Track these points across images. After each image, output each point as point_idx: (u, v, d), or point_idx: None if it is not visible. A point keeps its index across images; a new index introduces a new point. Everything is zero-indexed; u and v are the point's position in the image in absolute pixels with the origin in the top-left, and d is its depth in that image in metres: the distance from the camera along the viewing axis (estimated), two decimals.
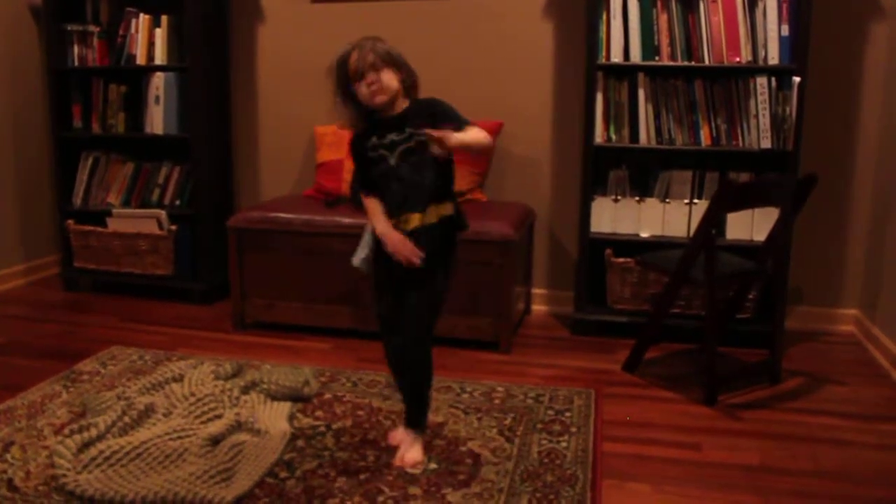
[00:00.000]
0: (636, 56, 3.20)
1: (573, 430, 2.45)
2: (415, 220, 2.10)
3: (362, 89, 2.07)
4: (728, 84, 3.16)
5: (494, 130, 3.56)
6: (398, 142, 2.09)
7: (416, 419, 2.28)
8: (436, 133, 1.98)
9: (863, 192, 3.41)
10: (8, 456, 2.24)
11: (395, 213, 2.12)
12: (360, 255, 2.25)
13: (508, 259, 3.11)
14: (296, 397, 2.65)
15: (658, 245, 3.22)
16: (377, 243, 2.18)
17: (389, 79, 2.07)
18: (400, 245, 2.09)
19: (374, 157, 2.12)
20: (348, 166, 3.47)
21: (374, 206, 2.17)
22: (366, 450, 2.31)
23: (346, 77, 2.09)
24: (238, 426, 2.39)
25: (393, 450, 2.29)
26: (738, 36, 3.10)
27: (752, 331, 3.21)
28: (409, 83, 2.13)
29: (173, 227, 3.80)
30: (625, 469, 2.24)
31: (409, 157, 2.09)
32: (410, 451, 2.25)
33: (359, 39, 2.10)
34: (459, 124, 2.08)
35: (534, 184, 3.72)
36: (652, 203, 3.30)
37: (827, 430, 2.52)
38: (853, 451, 2.38)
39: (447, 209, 2.15)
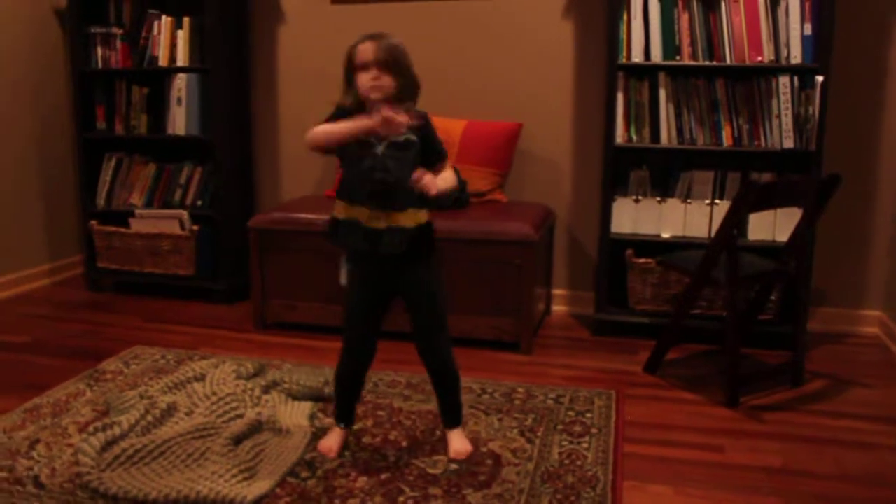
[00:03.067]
0: (657, 56, 3.18)
1: (594, 431, 2.45)
2: (390, 217, 2.07)
3: (363, 79, 2.06)
4: (750, 83, 3.14)
5: (515, 131, 3.56)
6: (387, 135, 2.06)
7: (458, 416, 2.32)
8: (424, 181, 2.01)
9: (887, 192, 3.37)
10: (34, 453, 2.27)
11: (371, 205, 2.06)
12: (344, 275, 2.26)
13: (529, 259, 3.10)
14: (317, 397, 2.66)
15: (679, 246, 3.21)
16: (356, 263, 2.17)
17: (389, 81, 2.06)
18: (387, 116, 1.97)
19: (361, 142, 2.05)
20: None
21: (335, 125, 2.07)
22: (386, 450, 2.32)
23: (349, 62, 2.09)
24: (260, 425, 2.41)
25: (416, 449, 2.29)
26: (760, 35, 3.07)
27: (775, 332, 3.19)
28: (407, 91, 2.10)
29: (195, 228, 3.83)
30: (646, 471, 2.23)
31: (396, 150, 2.07)
32: (462, 443, 2.29)
33: (378, 32, 2.09)
34: (440, 157, 2.15)
35: (554, 184, 3.72)
36: (673, 203, 3.28)
37: (851, 432, 2.49)
38: (878, 454, 2.36)
39: (423, 217, 2.13)
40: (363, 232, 2.08)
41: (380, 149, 2.07)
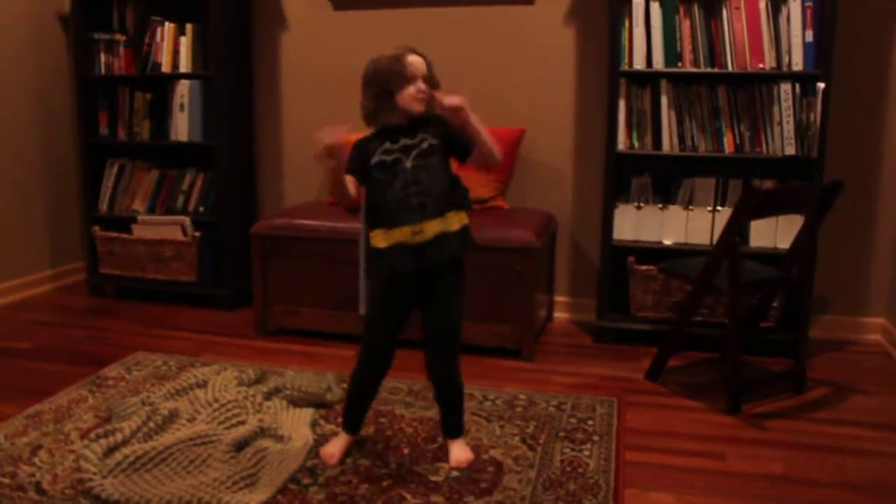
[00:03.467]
0: (659, 63, 3.19)
1: (596, 438, 2.44)
2: (435, 226, 2.06)
3: (410, 91, 2.05)
4: (752, 90, 3.15)
5: (517, 137, 3.57)
6: (411, 146, 2.07)
7: (460, 427, 2.31)
8: (448, 100, 2.01)
9: (889, 199, 3.37)
10: (36, 459, 2.27)
11: (413, 220, 2.05)
12: (364, 305, 2.26)
13: (531, 266, 3.11)
14: (318, 404, 2.66)
15: (681, 252, 3.21)
16: (384, 284, 2.17)
17: (429, 91, 2.08)
18: (454, 99, 2.02)
19: (387, 161, 2.07)
20: None
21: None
22: (388, 457, 2.31)
23: (394, 75, 2.05)
24: (261, 432, 2.41)
25: (418, 456, 2.29)
26: (761, 42, 3.08)
27: (777, 339, 3.18)
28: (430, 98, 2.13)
29: (197, 234, 3.84)
30: (648, 478, 2.23)
31: (424, 160, 2.07)
32: (463, 451, 2.29)
33: (409, 46, 2.11)
34: (469, 145, 2.12)
35: (556, 191, 3.72)
36: (675, 210, 3.28)
37: (853, 440, 2.49)
38: (880, 461, 2.35)
39: (465, 218, 2.14)
40: (411, 252, 2.06)
41: (408, 163, 2.07)
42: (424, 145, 2.08)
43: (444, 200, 2.09)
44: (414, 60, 2.06)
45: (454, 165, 2.18)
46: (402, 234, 2.06)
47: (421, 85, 2.06)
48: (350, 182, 2.11)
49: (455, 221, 2.11)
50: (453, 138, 2.12)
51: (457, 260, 2.15)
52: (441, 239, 2.07)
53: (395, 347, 2.24)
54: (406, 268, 2.07)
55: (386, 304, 2.19)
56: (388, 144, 2.09)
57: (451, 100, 2.03)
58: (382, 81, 2.06)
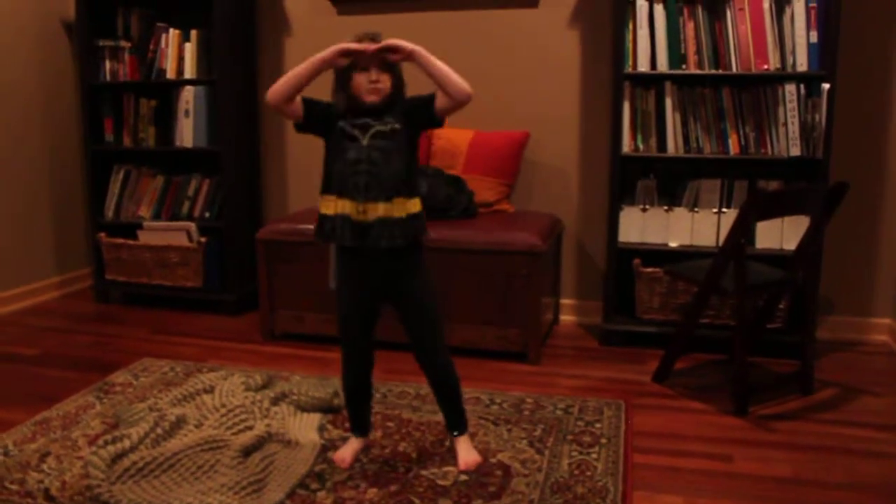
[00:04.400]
0: (663, 65, 3.19)
1: (603, 441, 2.44)
2: (379, 209, 2.04)
3: (362, 81, 2.04)
4: (756, 92, 3.14)
5: (521, 141, 3.57)
6: (373, 125, 2.05)
7: (462, 422, 2.31)
8: (391, 44, 2.00)
9: (894, 199, 3.37)
10: (44, 466, 2.27)
11: (358, 198, 2.03)
12: (333, 278, 2.25)
13: (537, 269, 3.10)
14: (325, 408, 2.66)
15: (687, 255, 3.20)
16: (346, 264, 2.16)
17: (386, 81, 2.06)
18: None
19: (346, 130, 2.05)
20: None
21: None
22: (396, 461, 2.31)
23: (350, 62, 2.05)
24: (269, 437, 2.41)
25: (426, 460, 2.29)
26: (765, 43, 3.08)
27: (784, 341, 3.18)
28: (400, 90, 2.10)
29: (203, 240, 3.84)
30: (656, 481, 2.23)
31: (381, 140, 2.04)
32: (471, 454, 2.28)
33: (373, 31, 2.08)
34: (431, 97, 2.07)
35: (561, 194, 3.72)
36: (680, 212, 3.28)
37: (862, 441, 2.48)
38: (889, 462, 2.34)
39: (415, 206, 2.10)
40: (351, 226, 2.05)
41: (365, 140, 2.05)
42: (387, 128, 2.05)
43: (394, 186, 2.05)
44: (369, 49, 2.03)
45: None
46: (346, 206, 2.05)
47: (375, 75, 2.04)
48: (299, 98, 2.08)
49: (401, 209, 2.06)
50: (415, 103, 2.09)
51: (410, 246, 2.11)
52: (382, 224, 2.04)
53: (372, 344, 2.25)
54: (345, 241, 2.06)
55: (351, 296, 2.18)
56: (351, 118, 2.07)
57: (400, 46, 2.01)
58: (342, 71, 2.07)
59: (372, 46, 2.03)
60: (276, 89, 2.07)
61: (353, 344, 2.24)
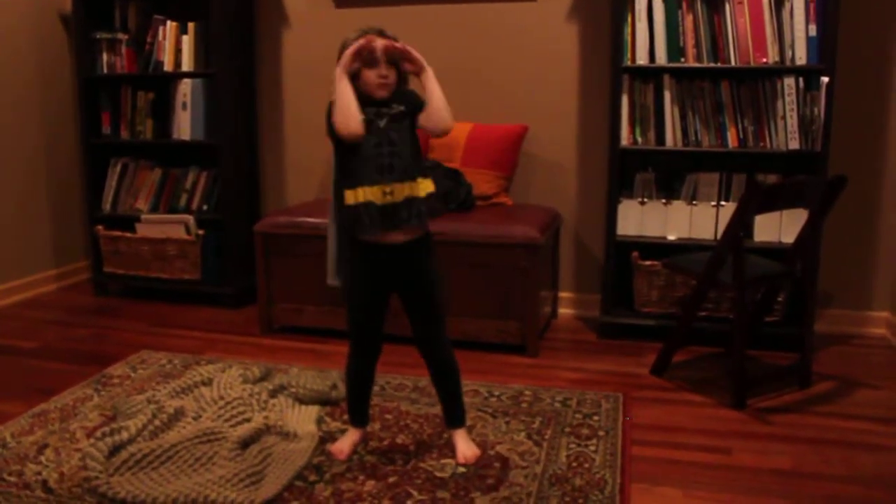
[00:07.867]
0: (662, 58, 3.18)
1: (601, 433, 2.44)
2: (405, 189, 2.06)
3: (371, 77, 2.06)
4: (755, 85, 3.14)
5: (520, 134, 3.57)
6: (385, 112, 2.07)
7: (462, 415, 2.31)
8: (410, 52, 2.03)
9: (893, 192, 3.37)
10: (42, 458, 2.27)
11: (383, 180, 2.04)
12: (332, 275, 2.24)
13: (535, 262, 3.10)
14: (324, 401, 2.66)
15: (685, 248, 3.20)
16: (359, 260, 2.15)
17: (392, 76, 2.08)
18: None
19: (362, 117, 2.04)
20: None
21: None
22: (394, 453, 2.31)
23: (359, 57, 2.05)
24: (267, 430, 2.41)
25: (424, 452, 2.29)
26: (764, 36, 3.07)
27: (782, 334, 3.18)
28: (400, 81, 2.12)
29: (201, 233, 3.84)
30: (654, 473, 2.23)
31: (396, 122, 2.07)
32: (469, 447, 2.29)
33: (374, 27, 2.10)
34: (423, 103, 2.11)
35: (560, 187, 3.72)
36: (679, 205, 3.28)
37: (860, 434, 2.49)
38: (887, 455, 2.35)
39: (430, 186, 2.12)
40: (378, 211, 2.04)
41: (382, 123, 2.06)
42: (395, 111, 2.08)
43: (414, 165, 2.09)
44: (378, 45, 2.04)
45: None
46: (372, 192, 2.05)
47: (384, 70, 2.06)
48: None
49: (423, 188, 2.09)
50: (409, 100, 2.12)
51: (427, 233, 2.15)
52: (409, 203, 2.06)
53: (383, 329, 2.24)
54: (375, 228, 2.05)
55: (365, 286, 2.17)
56: (362, 106, 2.06)
57: (416, 58, 2.05)
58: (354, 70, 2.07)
59: (386, 42, 2.05)
60: (349, 124, 2.01)
61: (365, 334, 2.24)
